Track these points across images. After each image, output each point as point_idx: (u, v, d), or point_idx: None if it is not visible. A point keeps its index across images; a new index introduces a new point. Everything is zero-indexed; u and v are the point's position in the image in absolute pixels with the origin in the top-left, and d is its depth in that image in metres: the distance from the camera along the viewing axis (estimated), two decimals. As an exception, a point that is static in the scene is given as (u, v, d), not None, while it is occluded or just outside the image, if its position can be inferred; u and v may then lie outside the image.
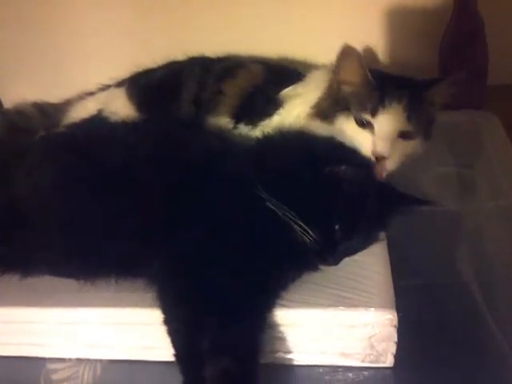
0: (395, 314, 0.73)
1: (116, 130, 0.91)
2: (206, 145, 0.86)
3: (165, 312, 0.75)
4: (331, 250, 0.75)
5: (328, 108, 0.89)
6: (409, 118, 0.84)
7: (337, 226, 0.74)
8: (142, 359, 0.83)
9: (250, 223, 0.76)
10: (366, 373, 0.78)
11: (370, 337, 0.75)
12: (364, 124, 0.85)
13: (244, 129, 0.95)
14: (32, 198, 0.84)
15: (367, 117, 0.84)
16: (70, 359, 0.85)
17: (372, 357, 0.77)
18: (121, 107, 1.02)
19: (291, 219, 0.74)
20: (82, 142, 0.89)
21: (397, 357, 0.77)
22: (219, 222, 0.77)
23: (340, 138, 0.84)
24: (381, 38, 1.24)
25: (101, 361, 0.84)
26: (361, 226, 0.76)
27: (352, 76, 0.86)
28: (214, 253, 0.75)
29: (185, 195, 0.79)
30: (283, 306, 0.76)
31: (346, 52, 0.84)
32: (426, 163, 1.04)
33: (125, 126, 0.93)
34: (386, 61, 1.26)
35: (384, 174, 0.84)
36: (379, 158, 0.83)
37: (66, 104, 1.13)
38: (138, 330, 0.81)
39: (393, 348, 0.76)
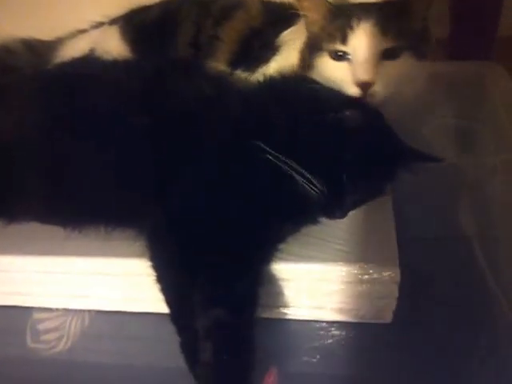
0: (397, 271, 0.71)
1: (106, 69, 0.86)
2: (203, 89, 0.81)
3: (157, 269, 0.73)
4: (339, 202, 0.72)
5: (307, 57, 0.82)
6: (385, 33, 0.75)
7: (344, 176, 0.70)
8: (130, 310, 0.81)
9: (247, 174, 0.73)
10: (364, 329, 0.77)
11: (371, 293, 0.73)
12: (340, 56, 0.78)
13: (242, 75, 0.90)
14: (17, 138, 0.80)
15: (338, 46, 0.77)
16: (57, 309, 0.84)
17: (372, 313, 0.76)
18: (114, 47, 0.98)
19: (294, 170, 0.70)
20: (72, 81, 0.85)
21: (395, 313, 0.75)
22: (214, 171, 0.74)
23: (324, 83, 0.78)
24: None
25: (89, 311, 0.83)
26: (368, 176, 0.72)
27: (315, 12, 0.80)
28: (209, 204, 0.72)
29: (177, 144, 0.75)
30: (282, 259, 0.74)
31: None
32: (428, 115, 1.03)
33: (116, 65, 0.88)
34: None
35: (376, 100, 0.77)
36: (364, 86, 0.76)
37: (57, 42, 1.08)
38: (127, 280, 0.79)
39: (393, 304, 0.74)
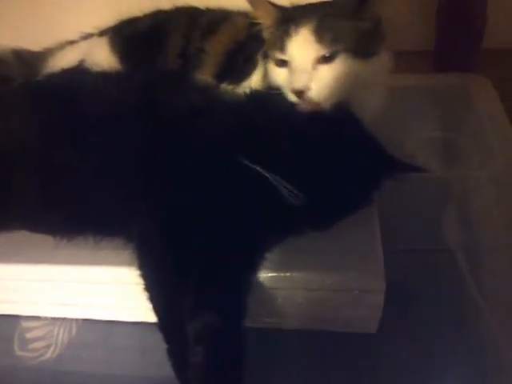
0: (383, 281, 0.71)
1: (97, 81, 0.87)
2: (193, 101, 0.82)
3: (145, 277, 0.73)
4: (324, 213, 0.73)
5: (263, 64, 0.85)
6: (320, 40, 0.76)
7: (329, 187, 0.72)
8: (118, 319, 0.81)
9: (234, 185, 0.73)
10: (349, 338, 0.77)
11: (357, 303, 0.74)
12: (282, 63, 0.79)
13: (227, 88, 0.91)
14: (6, 148, 0.80)
15: (279, 55, 0.78)
16: (45, 318, 0.84)
17: (357, 323, 0.76)
18: (103, 58, 0.98)
19: (279, 181, 0.71)
20: (62, 91, 0.85)
21: (380, 322, 0.76)
22: (201, 181, 0.74)
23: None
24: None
25: (76, 320, 0.83)
26: (353, 186, 0.73)
27: (267, 19, 0.82)
28: (196, 214, 0.72)
29: (166, 153, 0.76)
30: (269, 268, 0.75)
31: (254, 1, 0.81)
32: (413, 127, 1.04)
33: (106, 76, 0.88)
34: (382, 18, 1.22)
35: (315, 108, 0.77)
36: (300, 94, 0.76)
37: (46, 52, 1.08)
38: (115, 289, 0.79)
39: (379, 314, 0.74)
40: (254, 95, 0.83)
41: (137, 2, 1.02)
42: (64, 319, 0.82)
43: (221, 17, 0.97)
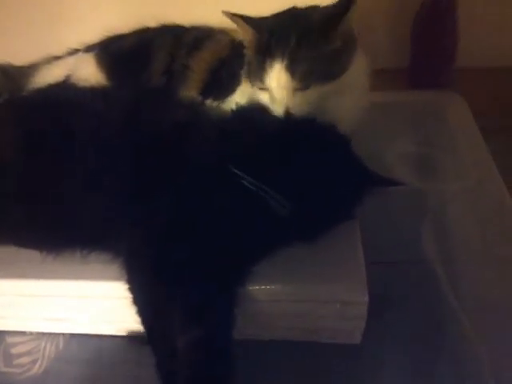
0: (366, 293, 0.73)
1: (84, 96, 0.87)
2: (177, 116, 0.84)
3: (133, 290, 0.74)
4: (308, 226, 0.75)
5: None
6: (293, 76, 0.80)
7: (313, 201, 0.74)
8: (105, 333, 0.81)
9: (222, 198, 0.74)
10: (332, 349, 0.78)
11: (340, 314, 0.75)
12: (264, 89, 0.84)
13: (212, 104, 0.93)
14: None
15: (259, 84, 0.84)
16: (30, 333, 0.83)
17: (341, 334, 0.78)
18: (90, 74, 0.98)
19: (267, 194, 0.73)
20: (50, 106, 0.86)
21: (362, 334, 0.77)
22: (188, 196, 0.75)
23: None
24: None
25: (63, 335, 0.83)
26: (336, 201, 0.75)
27: (245, 36, 0.87)
28: (184, 227, 0.74)
29: (153, 168, 0.77)
30: (254, 281, 0.75)
31: (234, 21, 0.84)
32: (389, 142, 1.06)
33: (94, 92, 0.89)
34: (358, 37, 1.25)
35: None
36: (283, 113, 0.82)
37: (32, 68, 1.08)
38: (102, 303, 0.79)
39: (362, 325, 0.76)
40: (240, 110, 0.85)
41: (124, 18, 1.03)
42: (50, 334, 0.82)
43: (205, 34, 0.99)
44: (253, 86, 0.85)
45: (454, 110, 1.10)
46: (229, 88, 0.92)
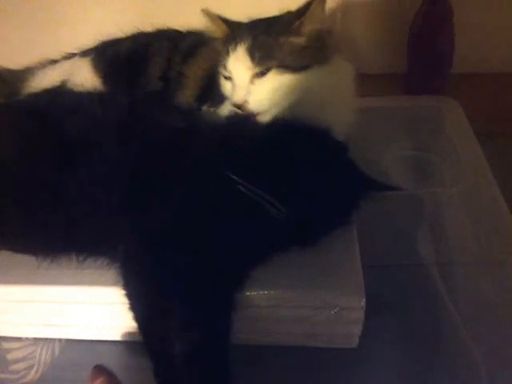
0: (363, 298, 0.73)
1: (80, 101, 0.87)
2: (174, 123, 0.84)
3: (130, 296, 0.73)
4: (306, 231, 0.75)
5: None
6: (253, 59, 0.83)
7: (310, 206, 0.74)
8: (101, 339, 0.81)
9: (218, 203, 0.74)
10: (330, 353, 0.78)
11: (337, 319, 0.75)
12: (228, 77, 0.86)
13: (208, 110, 0.93)
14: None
15: (223, 71, 0.86)
16: (26, 338, 0.83)
17: (338, 338, 0.78)
18: (86, 79, 0.98)
19: (264, 199, 0.72)
20: (45, 111, 0.85)
21: (360, 337, 0.77)
22: (185, 202, 0.75)
23: None
24: (350, 19, 1.24)
25: (59, 340, 0.82)
26: (333, 205, 0.76)
27: (219, 34, 0.89)
28: (181, 232, 0.73)
29: (150, 174, 0.77)
30: (251, 286, 0.75)
31: (211, 19, 0.88)
32: (386, 147, 1.07)
33: (90, 97, 0.89)
34: (355, 42, 1.26)
35: (256, 118, 0.84)
36: (240, 107, 0.84)
37: (27, 71, 1.07)
38: (98, 309, 0.78)
39: (359, 330, 0.76)
40: (236, 117, 0.85)
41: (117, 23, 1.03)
42: (46, 339, 0.82)
43: (200, 40, 0.99)
44: (219, 75, 0.87)
45: (450, 115, 1.10)
46: (223, 95, 0.92)
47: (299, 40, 0.84)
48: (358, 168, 0.80)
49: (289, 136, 0.78)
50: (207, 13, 0.88)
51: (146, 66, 0.97)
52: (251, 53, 0.82)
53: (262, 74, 0.83)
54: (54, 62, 1.08)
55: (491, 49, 1.24)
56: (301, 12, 0.84)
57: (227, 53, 0.85)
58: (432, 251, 0.91)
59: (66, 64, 1.05)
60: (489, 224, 0.90)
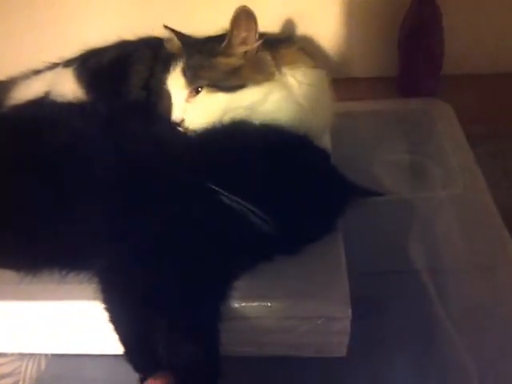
0: (349, 308, 0.72)
1: (61, 113, 0.87)
2: (155, 133, 0.84)
3: (109, 310, 0.72)
4: (292, 238, 0.75)
5: None
6: (186, 79, 0.86)
7: (293, 214, 0.73)
8: (88, 353, 0.81)
9: (201, 213, 0.74)
10: (318, 363, 0.77)
11: (324, 329, 0.74)
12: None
13: None
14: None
15: (167, 89, 0.89)
16: (12, 354, 0.82)
17: (326, 348, 0.77)
18: (69, 89, 0.98)
19: (247, 208, 0.72)
20: (26, 123, 0.85)
21: (348, 346, 0.76)
22: (167, 214, 0.74)
23: None
24: (341, 23, 1.23)
25: (45, 355, 0.82)
26: (316, 214, 0.75)
27: (175, 50, 0.92)
28: (161, 245, 0.73)
29: (132, 186, 0.76)
30: (236, 298, 0.75)
31: (168, 33, 0.92)
32: (377, 150, 1.07)
33: (71, 108, 0.89)
34: (346, 46, 1.25)
35: (190, 132, 0.86)
36: (178, 124, 0.86)
37: (10, 82, 1.06)
38: (83, 323, 0.78)
39: (346, 339, 0.75)
40: (218, 126, 0.85)
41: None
42: (32, 354, 0.81)
43: None
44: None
45: (440, 117, 1.10)
46: None
47: (230, 61, 0.86)
48: (341, 175, 0.79)
49: (271, 145, 0.78)
50: (167, 28, 0.92)
51: (129, 75, 0.97)
52: (184, 72, 0.86)
53: (196, 92, 0.86)
54: (37, 72, 1.07)
55: (482, 49, 1.24)
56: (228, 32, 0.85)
57: (169, 71, 0.89)
58: (422, 256, 0.90)
59: (49, 74, 1.04)
60: (479, 228, 0.90)
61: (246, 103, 0.85)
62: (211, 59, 0.86)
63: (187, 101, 0.86)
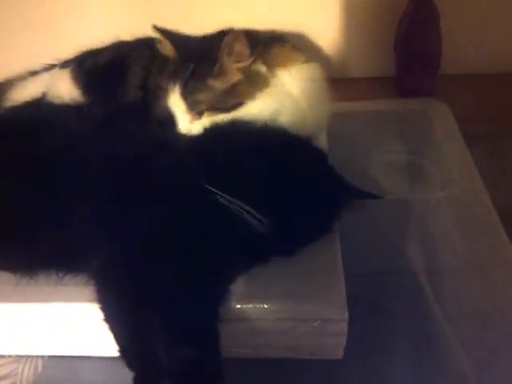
0: (346, 310, 0.72)
1: (57, 114, 0.87)
2: (152, 134, 0.84)
3: (104, 310, 0.72)
4: (289, 240, 0.74)
5: None
6: (186, 104, 0.88)
7: (290, 216, 0.73)
8: (85, 355, 0.80)
9: (197, 214, 0.74)
10: (315, 364, 0.77)
11: (321, 331, 0.74)
12: None
13: None
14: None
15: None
16: (8, 356, 0.82)
17: (323, 350, 0.77)
18: (65, 90, 0.98)
19: (243, 209, 0.72)
20: (23, 125, 0.85)
21: (345, 348, 0.76)
22: (163, 214, 0.74)
23: None
24: (338, 24, 1.23)
25: (42, 357, 0.82)
26: (312, 215, 0.75)
27: (169, 54, 0.92)
28: (157, 246, 0.73)
29: (128, 186, 0.76)
30: (232, 300, 0.74)
31: (158, 34, 0.91)
32: (375, 150, 1.07)
33: (67, 110, 0.88)
34: (344, 46, 1.25)
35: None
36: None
37: (6, 84, 1.07)
38: (80, 324, 0.77)
39: (343, 341, 0.75)
40: (214, 127, 0.85)
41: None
42: (29, 356, 0.81)
43: None
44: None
45: (438, 117, 1.10)
46: None
47: (224, 82, 0.86)
48: (338, 176, 0.79)
49: (268, 146, 0.78)
50: (157, 29, 0.91)
51: (125, 75, 0.97)
52: (184, 98, 0.87)
53: (198, 115, 0.87)
54: (33, 73, 1.07)
55: (479, 49, 1.24)
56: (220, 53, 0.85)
57: (169, 90, 0.89)
58: (420, 256, 0.90)
59: (46, 76, 1.04)
60: (477, 228, 0.90)
61: (247, 118, 0.86)
62: (207, 82, 0.86)
63: (191, 122, 0.88)
